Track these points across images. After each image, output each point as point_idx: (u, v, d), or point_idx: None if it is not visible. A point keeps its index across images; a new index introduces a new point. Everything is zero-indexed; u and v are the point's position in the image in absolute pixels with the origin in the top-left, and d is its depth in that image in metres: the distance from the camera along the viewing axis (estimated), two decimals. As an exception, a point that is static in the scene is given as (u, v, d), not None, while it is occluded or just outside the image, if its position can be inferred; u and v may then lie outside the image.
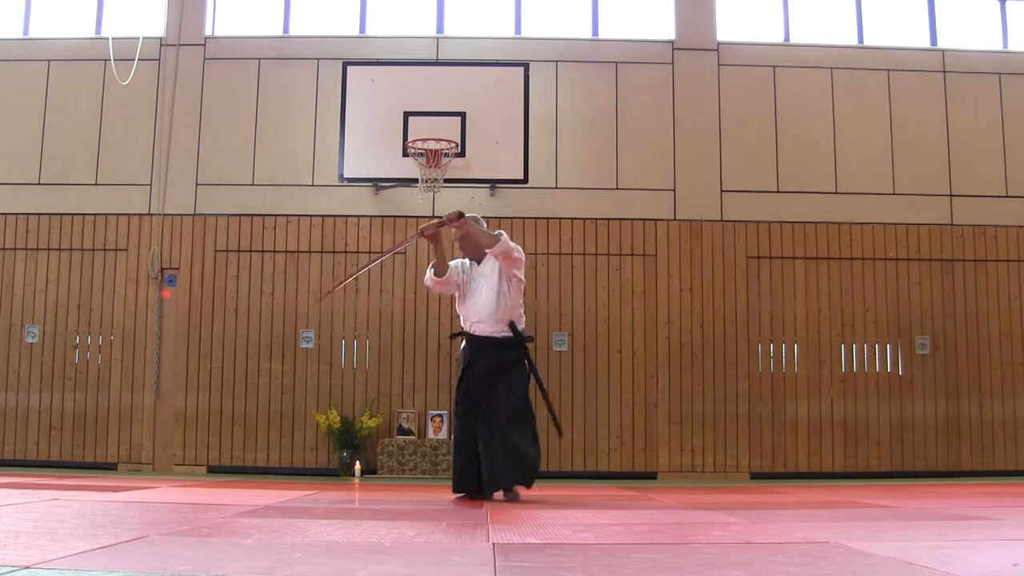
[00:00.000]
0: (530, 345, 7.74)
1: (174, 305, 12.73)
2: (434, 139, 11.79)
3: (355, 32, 13.40)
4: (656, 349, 12.72)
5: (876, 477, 12.36)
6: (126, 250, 12.79)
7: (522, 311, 7.65)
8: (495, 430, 7.31)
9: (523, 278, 7.61)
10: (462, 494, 7.47)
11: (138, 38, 12.67)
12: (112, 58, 12.53)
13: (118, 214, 12.84)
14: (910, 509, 6.65)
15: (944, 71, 13.35)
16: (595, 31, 13.50)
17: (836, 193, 13.07)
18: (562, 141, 13.03)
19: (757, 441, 12.63)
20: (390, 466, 11.96)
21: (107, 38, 12.66)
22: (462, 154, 11.91)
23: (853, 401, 12.71)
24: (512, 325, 7.48)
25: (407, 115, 12.01)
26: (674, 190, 12.99)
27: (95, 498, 6.64)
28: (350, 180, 12.41)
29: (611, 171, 13.02)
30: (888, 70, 13.35)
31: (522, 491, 7.44)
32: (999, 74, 13.38)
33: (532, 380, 7.63)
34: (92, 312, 12.73)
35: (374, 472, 12.00)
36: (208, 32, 13.32)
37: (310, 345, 12.59)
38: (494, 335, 7.49)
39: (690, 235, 12.88)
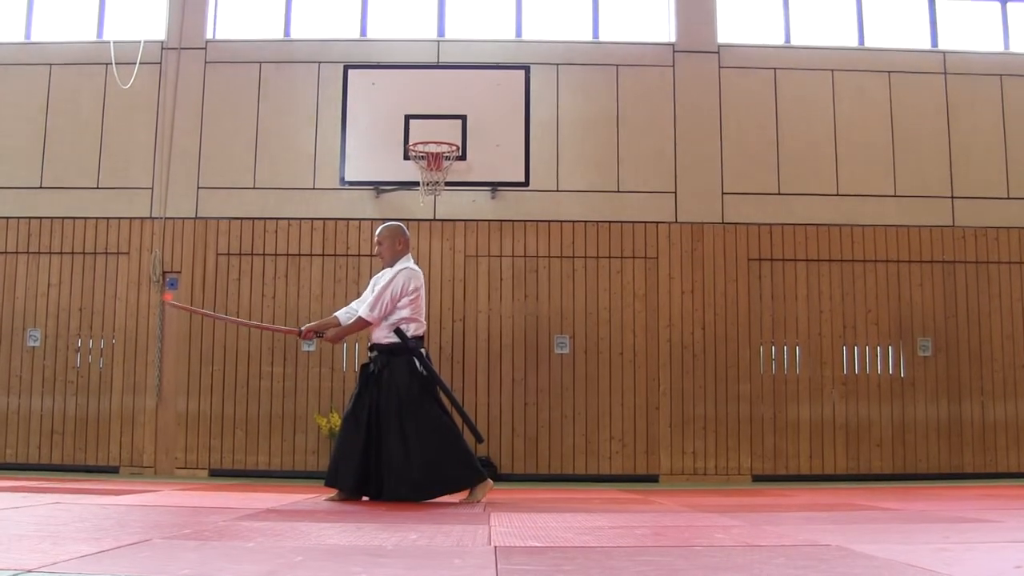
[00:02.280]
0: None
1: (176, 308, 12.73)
2: (435, 142, 11.78)
3: (356, 35, 13.41)
4: (657, 351, 12.73)
5: (878, 479, 12.36)
6: (128, 253, 12.80)
7: (414, 322, 7.78)
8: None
9: (406, 299, 7.75)
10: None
11: (139, 42, 12.68)
12: (113, 62, 12.54)
13: (119, 218, 12.85)
14: (912, 511, 6.65)
15: (945, 73, 13.35)
16: (595, 34, 13.50)
17: (837, 195, 13.07)
18: (563, 144, 13.03)
19: (759, 443, 12.62)
20: (392, 469, 11.94)
21: (108, 42, 12.68)
22: (463, 157, 11.91)
23: (855, 403, 12.71)
24: (399, 332, 7.66)
25: (408, 118, 11.99)
26: (675, 192, 12.99)
27: (97, 501, 6.65)
28: (351, 183, 12.40)
29: (612, 174, 13.02)
30: (889, 72, 13.35)
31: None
32: (1000, 76, 13.37)
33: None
34: (94, 315, 12.74)
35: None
36: (209, 36, 13.34)
37: (311, 348, 12.59)
38: (380, 343, 7.77)
39: (691, 237, 12.88)
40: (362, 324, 7.78)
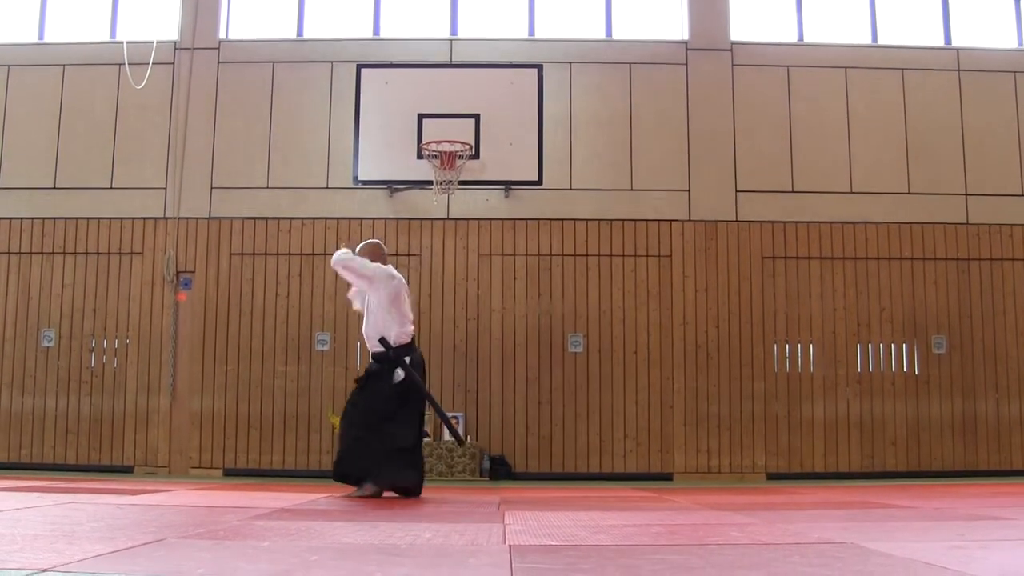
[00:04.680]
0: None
1: (189, 308, 12.76)
2: (448, 141, 11.79)
3: (369, 35, 13.42)
4: (671, 350, 12.71)
5: (893, 477, 12.32)
6: (141, 253, 12.83)
7: (401, 332, 8.03)
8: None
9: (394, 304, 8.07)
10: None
11: (152, 42, 12.70)
12: (127, 62, 12.56)
13: (133, 218, 12.88)
14: (927, 509, 6.63)
15: (959, 69, 13.31)
16: (608, 32, 13.49)
17: (851, 193, 13.03)
18: (576, 142, 13.02)
19: (773, 442, 12.60)
20: (406, 468, 11.94)
21: (121, 42, 12.70)
22: (476, 156, 11.91)
23: (869, 401, 12.68)
24: (384, 342, 7.95)
25: (421, 117, 12.00)
26: (688, 191, 12.97)
27: (112, 501, 6.66)
28: (365, 182, 12.41)
29: (625, 172, 13.01)
30: (902, 69, 13.32)
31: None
32: (1014, 72, 13.33)
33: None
34: (108, 316, 12.77)
35: (390, 474, 11.98)
36: (222, 36, 13.36)
37: (325, 348, 12.61)
38: (375, 352, 8.11)
39: (705, 236, 12.86)
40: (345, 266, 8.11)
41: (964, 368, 12.79)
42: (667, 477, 12.44)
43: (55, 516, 5.30)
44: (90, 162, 13.02)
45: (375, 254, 8.22)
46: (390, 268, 8.16)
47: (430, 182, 11.93)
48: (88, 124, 13.10)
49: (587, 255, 12.84)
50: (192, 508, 6.30)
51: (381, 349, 7.94)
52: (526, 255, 12.81)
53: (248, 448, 12.52)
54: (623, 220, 12.88)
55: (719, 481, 12.23)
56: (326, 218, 12.84)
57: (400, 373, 7.89)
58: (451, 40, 13.31)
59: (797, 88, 13.27)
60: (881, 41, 13.56)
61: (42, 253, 12.87)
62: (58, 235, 12.88)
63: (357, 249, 8.30)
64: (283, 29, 13.51)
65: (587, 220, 12.87)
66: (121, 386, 12.68)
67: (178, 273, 12.80)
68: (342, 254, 8.06)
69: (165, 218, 12.88)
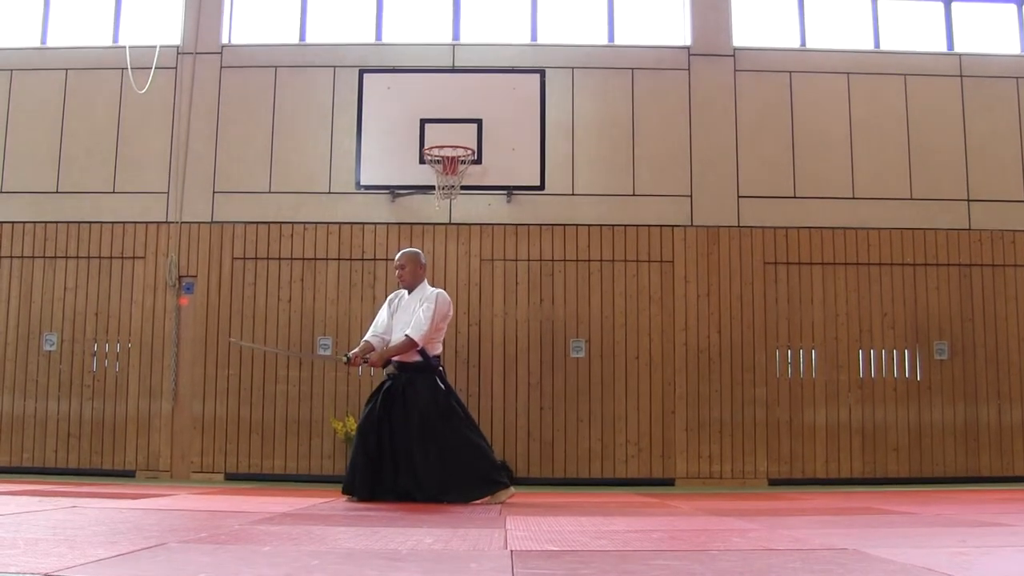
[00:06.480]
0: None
1: (191, 312, 12.76)
2: (451, 146, 11.79)
3: (371, 39, 13.43)
4: (673, 355, 12.70)
5: (894, 483, 12.31)
6: (143, 258, 12.83)
7: (437, 342, 8.36)
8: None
9: (443, 322, 8.33)
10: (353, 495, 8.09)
11: (155, 47, 12.72)
12: (129, 67, 12.58)
13: (135, 222, 12.88)
14: (929, 515, 6.63)
15: (961, 75, 13.30)
16: (611, 37, 13.50)
17: (853, 198, 13.03)
18: (579, 147, 13.02)
19: (775, 447, 12.59)
20: (407, 473, 11.93)
21: (124, 47, 12.72)
22: (479, 161, 11.91)
23: (871, 407, 12.67)
24: (422, 351, 8.12)
25: (423, 122, 12.01)
26: (691, 196, 12.97)
27: (113, 505, 6.66)
28: (367, 187, 12.41)
29: (628, 177, 13.01)
30: (905, 75, 13.31)
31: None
32: (1016, 78, 13.32)
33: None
34: (110, 320, 12.77)
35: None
36: (225, 40, 13.36)
37: (328, 352, 12.60)
38: (404, 361, 8.19)
39: (707, 241, 12.86)
40: (411, 345, 8.07)
41: (966, 374, 12.77)
42: (669, 482, 12.43)
43: (57, 520, 5.30)
44: (92, 166, 13.03)
45: (420, 264, 8.42)
46: (441, 291, 8.37)
47: (432, 187, 11.94)
48: (91, 128, 13.11)
49: (589, 260, 12.83)
50: (193, 512, 6.30)
51: (411, 360, 8.11)
52: (528, 260, 12.81)
53: (250, 452, 12.52)
54: (625, 225, 12.88)
55: (721, 486, 12.22)
56: (328, 223, 12.84)
57: (441, 384, 8.16)
58: (453, 45, 13.31)
59: (799, 93, 13.27)
60: (883, 47, 13.56)
61: (44, 257, 12.87)
62: (60, 239, 12.88)
63: (398, 256, 8.47)
64: (286, 34, 13.53)
65: (589, 225, 12.87)
66: (123, 390, 12.67)
67: (180, 277, 12.80)
68: (422, 333, 8.05)
69: (167, 222, 12.88)
